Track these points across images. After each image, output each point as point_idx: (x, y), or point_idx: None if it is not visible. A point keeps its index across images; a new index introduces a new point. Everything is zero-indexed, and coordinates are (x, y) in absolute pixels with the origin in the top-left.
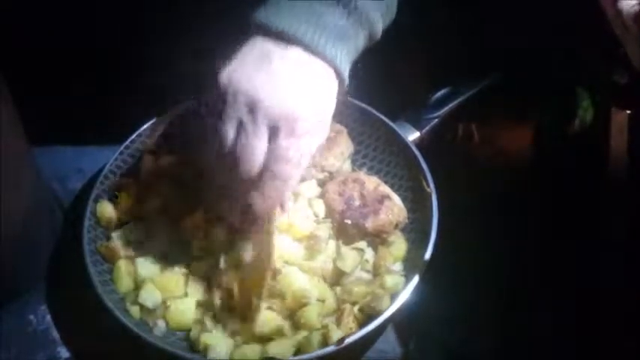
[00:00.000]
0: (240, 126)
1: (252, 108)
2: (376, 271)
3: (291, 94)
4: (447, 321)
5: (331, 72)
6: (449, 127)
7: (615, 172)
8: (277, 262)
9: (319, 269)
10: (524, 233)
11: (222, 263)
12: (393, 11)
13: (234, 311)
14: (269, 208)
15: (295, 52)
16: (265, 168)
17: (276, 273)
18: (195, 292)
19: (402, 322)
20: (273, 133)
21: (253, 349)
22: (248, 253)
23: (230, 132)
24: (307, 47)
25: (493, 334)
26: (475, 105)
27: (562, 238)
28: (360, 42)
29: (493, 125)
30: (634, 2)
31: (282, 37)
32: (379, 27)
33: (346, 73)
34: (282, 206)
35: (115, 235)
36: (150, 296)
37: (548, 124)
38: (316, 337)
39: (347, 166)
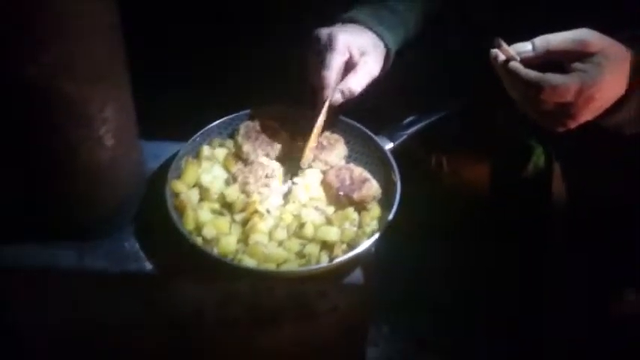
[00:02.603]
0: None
1: (336, 44)
2: (359, 225)
3: (362, 43)
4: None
5: (385, 50)
6: (425, 157)
7: (557, 206)
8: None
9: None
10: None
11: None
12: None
13: None
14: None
15: (366, 30)
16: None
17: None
18: (235, 232)
19: (369, 264)
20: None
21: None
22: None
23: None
24: (375, 33)
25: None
26: (435, 132)
27: (505, 242)
28: (401, 34)
29: (460, 160)
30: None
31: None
32: (411, 26)
33: (393, 51)
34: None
35: (183, 193)
36: (209, 232)
37: (504, 166)
38: (316, 258)
39: (342, 163)
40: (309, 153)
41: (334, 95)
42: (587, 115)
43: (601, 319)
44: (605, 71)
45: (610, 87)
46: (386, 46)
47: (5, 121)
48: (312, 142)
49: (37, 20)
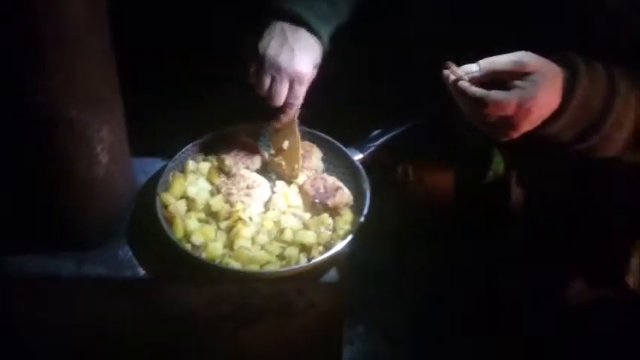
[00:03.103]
0: (272, 79)
1: (278, 70)
2: (334, 229)
3: (299, 61)
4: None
5: (319, 44)
6: (392, 167)
7: (515, 208)
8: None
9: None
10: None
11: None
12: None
13: None
14: (291, 114)
15: (301, 31)
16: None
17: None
18: (221, 239)
19: (343, 264)
20: (291, 82)
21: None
22: (286, 142)
23: (266, 83)
24: (308, 26)
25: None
26: (401, 143)
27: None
28: (334, 25)
29: (424, 169)
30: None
31: (293, 19)
32: (345, 14)
33: (327, 44)
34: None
35: (172, 204)
36: (197, 238)
37: (465, 173)
38: (295, 259)
39: (321, 165)
40: (299, 170)
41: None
42: (526, 126)
43: (553, 309)
44: (541, 88)
45: (545, 101)
46: (321, 43)
47: (13, 141)
48: (299, 159)
49: (48, 54)
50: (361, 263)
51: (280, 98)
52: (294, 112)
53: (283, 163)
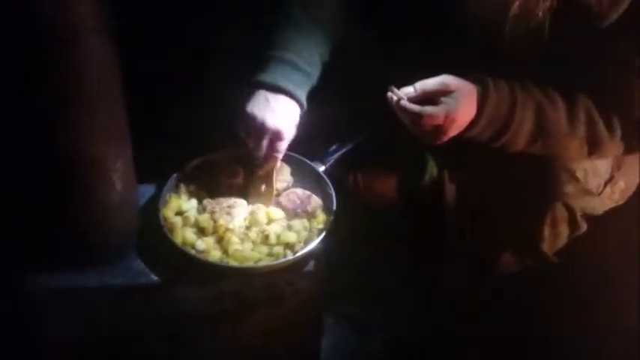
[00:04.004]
0: (258, 136)
1: (262, 127)
2: (310, 229)
3: (281, 121)
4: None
5: (298, 106)
6: (345, 176)
7: (449, 205)
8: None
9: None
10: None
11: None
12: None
13: None
14: (272, 164)
15: (284, 100)
16: (269, 151)
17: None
18: (216, 248)
19: (319, 256)
20: (273, 139)
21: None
22: (263, 186)
23: (253, 138)
24: (288, 93)
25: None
26: (357, 156)
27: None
28: (308, 89)
29: (371, 176)
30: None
31: (274, 89)
32: (315, 78)
33: (304, 106)
34: (275, 165)
35: (171, 218)
36: (201, 244)
37: (405, 178)
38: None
39: (291, 179)
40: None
41: None
42: (453, 131)
43: (489, 280)
44: (461, 102)
45: (465, 112)
46: (300, 105)
47: (46, 176)
48: (272, 197)
49: (74, 107)
50: (329, 261)
51: (262, 151)
52: (274, 162)
53: (260, 197)
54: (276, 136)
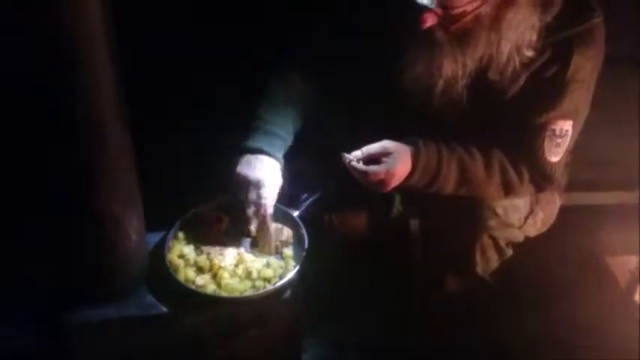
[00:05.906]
0: (245, 189)
1: (249, 186)
2: (285, 265)
3: (265, 179)
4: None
5: (278, 165)
6: (320, 216)
7: (414, 234)
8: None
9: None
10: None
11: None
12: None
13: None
14: (261, 212)
15: (264, 158)
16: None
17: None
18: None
19: (296, 286)
20: (255, 188)
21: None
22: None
23: (243, 194)
24: (269, 155)
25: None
26: (331, 198)
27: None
28: (284, 151)
29: (344, 214)
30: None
31: (257, 152)
32: (289, 142)
33: (282, 164)
34: (267, 214)
35: (175, 261)
36: (200, 280)
37: (375, 212)
38: (263, 286)
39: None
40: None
41: None
42: (393, 183)
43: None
44: (398, 160)
45: (402, 168)
46: (278, 161)
47: (78, 233)
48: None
49: (101, 179)
50: (310, 288)
51: (249, 200)
52: (263, 210)
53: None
54: (258, 185)
